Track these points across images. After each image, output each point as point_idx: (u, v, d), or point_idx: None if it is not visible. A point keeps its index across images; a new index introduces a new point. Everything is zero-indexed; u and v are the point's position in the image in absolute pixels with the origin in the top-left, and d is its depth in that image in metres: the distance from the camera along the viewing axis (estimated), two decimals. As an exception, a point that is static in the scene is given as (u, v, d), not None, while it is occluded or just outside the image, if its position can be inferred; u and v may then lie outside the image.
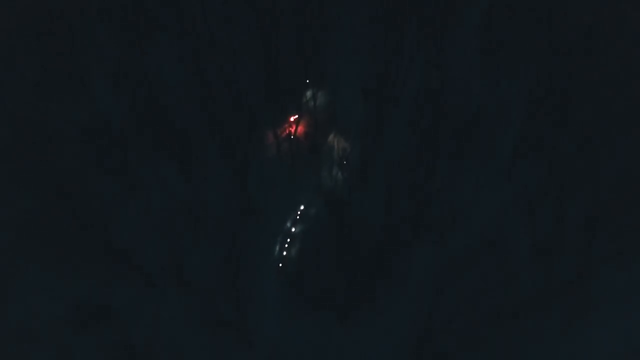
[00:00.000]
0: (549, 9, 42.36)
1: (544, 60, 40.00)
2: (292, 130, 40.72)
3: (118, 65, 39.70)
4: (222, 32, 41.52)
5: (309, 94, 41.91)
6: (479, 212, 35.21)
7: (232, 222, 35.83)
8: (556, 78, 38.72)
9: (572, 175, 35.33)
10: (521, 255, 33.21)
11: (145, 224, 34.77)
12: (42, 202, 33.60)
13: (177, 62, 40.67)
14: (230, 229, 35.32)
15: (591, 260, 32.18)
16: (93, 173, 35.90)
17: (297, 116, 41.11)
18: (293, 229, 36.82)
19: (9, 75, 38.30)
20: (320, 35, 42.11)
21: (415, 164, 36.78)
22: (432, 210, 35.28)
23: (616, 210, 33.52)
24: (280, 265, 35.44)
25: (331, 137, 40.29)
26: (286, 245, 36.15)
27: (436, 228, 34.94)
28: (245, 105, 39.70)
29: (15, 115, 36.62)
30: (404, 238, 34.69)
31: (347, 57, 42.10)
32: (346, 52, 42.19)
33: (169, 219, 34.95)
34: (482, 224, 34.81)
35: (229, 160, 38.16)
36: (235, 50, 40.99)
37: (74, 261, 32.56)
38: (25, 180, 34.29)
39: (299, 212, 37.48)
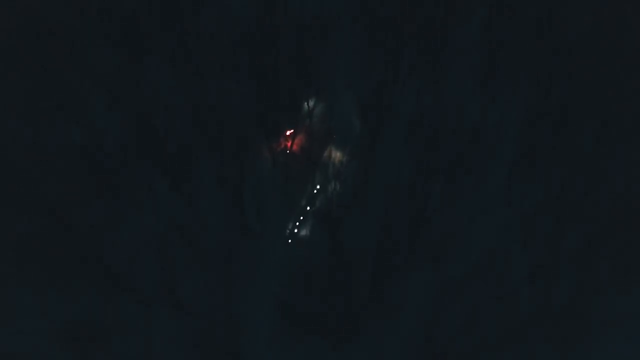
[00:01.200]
0: (549, 9, 41.88)
1: (543, 67, 39.66)
2: (288, 144, 40.34)
3: (117, 71, 38.79)
4: (222, 32, 40.70)
5: (305, 107, 41.42)
6: (477, 232, 35.24)
7: (226, 242, 35.52)
8: (555, 86, 38.45)
9: (570, 195, 35.36)
10: (519, 278, 33.32)
11: (138, 245, 34.28)
12: (34, 223, 33.01)
13: (172, 68, 39.91)
14: (225, 250, 35.09)
15: (591, 283, 32.37)
16: (87, 193, 35.23)
17: (293, 130, 40.71)
18: (288, 250, 36.69)
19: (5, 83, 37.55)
20: (320, 36, 41.40)
21: (414, 183, 36.56)
22: (431, 232, 35.29)
23: (616, 232, 33.69)
24: (275, 287, 35.25)
25: (327, 152, 39.99)
26: (281, 267, 35.92)
27: (433, 250, 34.92)
28: (240, 118, 39.22)
29: (8, 132, 35.93)
30: (400, 261, 34.77)
31: (345, 67, 41.44)
32: (345, 64, 41.44)
33: (163, 240, 34.46)
34: (481, 246, 34.72)
35: (224, 176, 37.64)
36: (234, 51, 40.25)
37: (66, 283, 32.17)
38: (17, 201, 33.65)
39: (293, 232, 37.34)
